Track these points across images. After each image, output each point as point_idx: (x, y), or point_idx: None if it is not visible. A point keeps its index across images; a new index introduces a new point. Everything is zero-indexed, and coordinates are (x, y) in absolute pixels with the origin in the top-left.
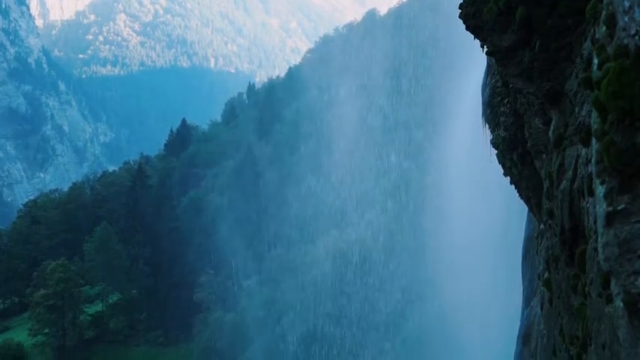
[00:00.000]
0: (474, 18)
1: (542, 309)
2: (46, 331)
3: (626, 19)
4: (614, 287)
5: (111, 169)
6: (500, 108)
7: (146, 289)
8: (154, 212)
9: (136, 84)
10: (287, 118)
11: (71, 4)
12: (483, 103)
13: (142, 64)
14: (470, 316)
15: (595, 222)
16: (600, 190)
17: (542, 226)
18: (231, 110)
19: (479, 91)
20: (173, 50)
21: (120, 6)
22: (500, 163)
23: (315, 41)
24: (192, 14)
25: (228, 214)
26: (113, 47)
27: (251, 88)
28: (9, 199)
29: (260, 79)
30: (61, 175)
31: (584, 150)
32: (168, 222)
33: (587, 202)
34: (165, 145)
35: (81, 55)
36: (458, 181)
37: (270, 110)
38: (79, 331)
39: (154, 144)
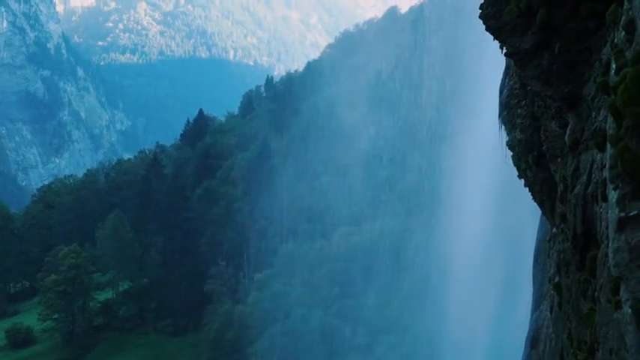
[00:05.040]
0: (494, 19)
1: (551, 312)
2: (56, 316)
3: None
4: (623, 293)
5: (126, 157)
6: (517, 110)
7: (157, 279)
8: (167, 201)
9: (154, 73)
10: (304, 112)
11: None
12: (500, 105)
13: (161, 53)
14: (479, 318)
15: (607, 227)
16: (613, 195)
17: (554, 229)
18: (249, 103)
19: (497, 92)
20: (192, 40)
21: None
22: (515, 165)
23: (335, 36)
24: (213, 5)
25: (241, 206)
26: (133, 35)
27: (269, 81)
28: (23, 184)
29: (278, 72)
30: (76, 161)
31: (599, 155)
32: (181, 212)
33: (601, 207)
34: (181, 135)
35: (100, 43)
36: (473, 182)
37: (287, 104)
38: (89, 318)
39: (170, 133)
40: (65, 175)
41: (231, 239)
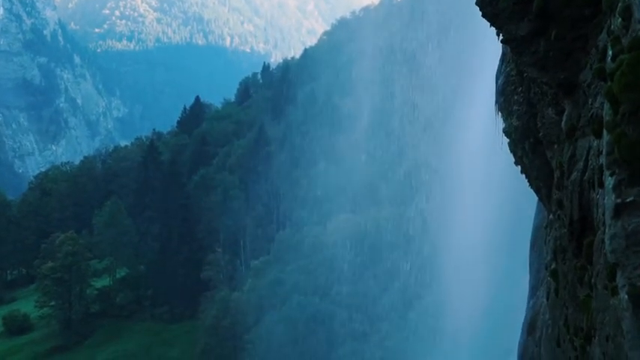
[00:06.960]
0: (490, 5)
1: (547, 299)
2: (53, 303)
3: None
4: (619, 279)
5: (123, 144)
6: (513, 97)
7: (154, 265)
8: (164, 188)
9: (150, 60)
10: (301, 99)
11: None
12: (497, 92)
13: (157, 40)
14: (476, 304)
15: (603, 214)
16: (609, 181)
17: (551, 216)
18: (245, 90)
19: (494, 79)
20: (189, 27)
21: None
22: (511, 151)
23: (332, 23)
24: None
25: (238, 193)
26: (129, 22)
27: (266, 68)
28: (20, 171)
29: (275, 59)
30: (73, 149)
31: (595, 141)
32: (178, 199)
33: (597, 193)
34: (178, 122)
35: (97, 29)
36: (471, 168)
37: (284, 91)
38: (85, 305)
39: (167, 120)
40: (62, 162)
41: (227, 226)
